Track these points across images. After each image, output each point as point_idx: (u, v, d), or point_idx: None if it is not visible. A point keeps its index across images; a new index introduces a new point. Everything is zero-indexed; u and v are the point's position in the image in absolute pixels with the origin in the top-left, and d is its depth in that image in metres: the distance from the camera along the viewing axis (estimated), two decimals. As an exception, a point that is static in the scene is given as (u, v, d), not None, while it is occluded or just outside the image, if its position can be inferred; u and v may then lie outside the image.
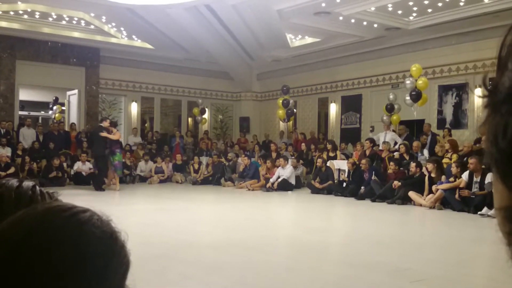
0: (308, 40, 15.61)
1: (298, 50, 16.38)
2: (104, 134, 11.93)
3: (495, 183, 0.48)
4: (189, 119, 19.76)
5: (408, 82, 12.44)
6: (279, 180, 12.95)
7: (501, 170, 0.45)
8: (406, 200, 9.99)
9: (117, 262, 0.67)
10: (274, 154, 14.77)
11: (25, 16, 14.42)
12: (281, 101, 16.11)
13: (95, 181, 12.36)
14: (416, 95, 12.21)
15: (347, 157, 13.25)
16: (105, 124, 12.15)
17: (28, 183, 0.77)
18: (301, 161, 14.44)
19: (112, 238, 0.68)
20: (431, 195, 9.57)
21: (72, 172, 14.10)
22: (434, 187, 9.56)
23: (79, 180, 13.50)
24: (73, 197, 10.58)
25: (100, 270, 0.64)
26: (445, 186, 9.33)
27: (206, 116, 19.13)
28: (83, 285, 0.62)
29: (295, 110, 17.17)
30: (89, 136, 12.24)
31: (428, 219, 8.78)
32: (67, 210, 0.67)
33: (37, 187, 0.76)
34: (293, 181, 13.11)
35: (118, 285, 0.68)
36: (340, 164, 12.80)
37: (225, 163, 15.23)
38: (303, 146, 15.40)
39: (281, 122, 17.40)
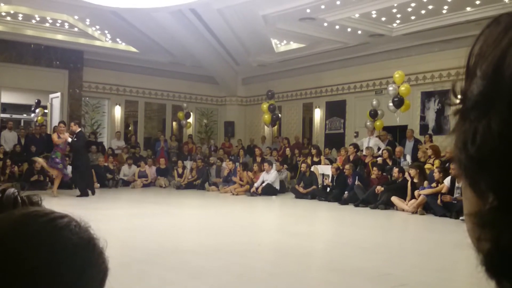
0: (293, 45, 15.68)
1: (283, 56, 16.44)
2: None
3: (465, 190, 0.48)
4: (174, 123, 19.67)
5: (391, 88, 12.56)
6: (264, 184, 12.95)
7: (470, 176, 0.45)
8: (389, 205, 10.06)
9: (94, 270, 0.66)
10: (258, 159, 14.77)
11: (8, 18, 14.23)
12: (266, 106, 16.13)
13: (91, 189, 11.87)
14: (399, 101, 12.34)
15: (331, 162, 13.32)
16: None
17: (10, 191, 0.75)
18: (285, 166, 14.46)
19: (89, 244, 0.67)
20: (413, 200, 9.66)
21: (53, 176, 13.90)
22: (416, 192, 9.64)
23: (61, 184, 13.30)
24: (54, 200, 10.47)
25: (76, 277, 0.63)
26: (428, 191, 9.42)
27: (190, 120, 19.07)
28: None
29: (280, 115, 17.21)
30: (82, 140, 11.67)
31: (411, 224, 8.85)
32: (44, 215, 0.65)
33: (19, 194, 0.75)
34: (277, 186, 13.13)
35: None
36: (324, 169, 12.85)
37: (213, 165, 15.18)
38: (287, 151, 15.43)
39: (266, 126, 17.42)
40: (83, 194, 11.46)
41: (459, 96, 0.47)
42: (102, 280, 0.67)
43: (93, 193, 11.69)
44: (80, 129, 11.78)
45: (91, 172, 12.12)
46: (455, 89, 0.48)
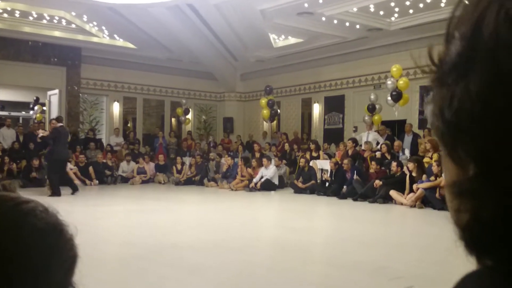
0: (292, 40, 15.63)
1: (282, 51, 16.40)
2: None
3: (444, 160, 0.46)
4: (173, 120, 19.65)
5: (389, 82, 12.54)
6: (262, 180, 12.95)
7: (448, 143, 0.44)
8: (388, 199, 10.07)
9: (60, 256, 0.65)
10: (257, 154, 14.76)
11: (5, 15, 14.18)
12: (265, 101, 16.11)
13: (72, 186, 11.44)
14: (397, 95, 12.32)
15: (330, 157, 13.31)
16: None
17: None
18: (284, 161, 14.46)
19: (56, 230, 0.66)
20: (412, 194, 9.66)
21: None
22: (415, 186, 9.65)
23: (60, 181, 13.30)
24: (52, 197, 10.45)
25: (41, 263, 0.62)
26: (426, 185, 9.42)
27: (189, 116, 19.05)
28: (21, 277, 0.60)
29: (278, 110, 17.19)
30: (56, 136, 11.25)
31: (409, 217, 8.86)
32: (10, 200, 0.65)
33: None
34: (276, 181, 13.13)
35: (62, 280, 0.66)
36: (323, 164, 12.85)
37: (211, 161, 15.17)
38: (286, 146, 15.43)
39: (264, 122, 17.40)
40: (54, 193, 10.84)
41: (436, 63, 0.45)
42: (70, 267, 0.66)
43: (72, 192, 11.14)
44: (59, 125, 11.28)
45: (60, 170, 11.30)
46: (431, 55, 0.46)
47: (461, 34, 0.43)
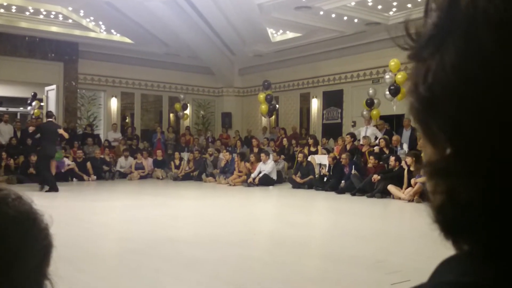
0: (290, 35, 15.59)
1: (280, 45, 16.36)
2: (61, 131, 10.97)
3: (423, 140, 0.44)
4: (171, 115, 19.62)
5: (387, 77, 12.51)
6: (261, 175, 12.94)
7: (422, 120, 0.42)
8: (386, 194, 10.06)
9: (34, 245, 0.63)
10: (255, 150, 14.74)
11: (1, 10, 14.11)
12: (263, 96, 16.07)
13: (46, 183, 11.06)
14: (395, 90, 12.29)
15: (329, 152, 13.30)
16: (54, 120, 11.30)
17: None
18: (282, 156, 14.45)
19: (28, 219, 0.63)
20: (410, 188, 9.65)
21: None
22: (413, 181, 9.63)
23: (57, 176, 13.28)
24: (50, 193, 10.43)
25: (12, 251, 0.60)
26: (424, 179, 9.38)
27: (188, 111, 19.01)
28: None
29: (277, 105, 17.16)
30: (40, 132, 11.03)
31: (407, 212, 8.85)
32: None
33: None
34: (274, 176, 13.12)
35: (36, 270, 0.63)
36: (321, 159, 12.85)
37: (208, 158, 15.15)
38: (284, 141, 15.41)
39: (263, 117, 17.38)
40: (52, 188, 10.74)
41: (414, 37, 0.43)
42: (45, 257, 0.64)
43: (44, 189, 10.89)
44: (46, 120, 11.20)
45: (45, 166, 11.08)
46: (409, 31, 0.44)
47: (438, 5, 0.41)
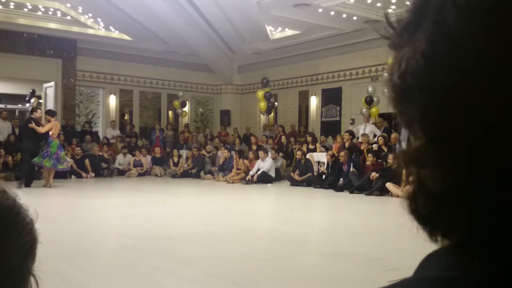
0: (288, 32, 15.57)
1: (279, 43, 16.33)
2: (31, 125, 10.81)
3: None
4: (170, 112, 19.59)
5: (385, 74, 12.46)
6: (259, 172, 12.93)
7: (398, 109, 0.41)
8: (384, 192, 10.06)
9: (15, 240, 0.62)
10: (254, 147, 14.73)
11: (0, 7, 14.09)
12: (262, 94, 16.06)
13: (22, 177, 11.23)
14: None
15: (327, 149, 13.29)
16: (36, 114, 11.16)
17: None
18: (280, 154, 14.44)
19: (11, 213, 0.62)
20: (408, 186, 9.64)
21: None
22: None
23: (56, 174, 13.26)
24: (48, 190, 10.43)
25: None
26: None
27: (186, 109, 18.99)
28: None
29: (276, 103, 17.15)
30: (20, 129, 11.10)
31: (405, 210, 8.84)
32: None
33: None
34: (272, 174, 13.11)
35: (21, 265, 0.62)
36: (320, 157, 12.84)
37: (205, 155, 15.15)
38: (283, 138, 15.40)
39: (262, 115, 17.36)
40: (27, 185, 10.88)
41: (394, 26, 0.43)
42: (28, 252, 0.63)
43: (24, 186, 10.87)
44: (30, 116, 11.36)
45: (24, 160, 11.26)
46: (388, 18, 0.44)
47: None
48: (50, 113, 11.48)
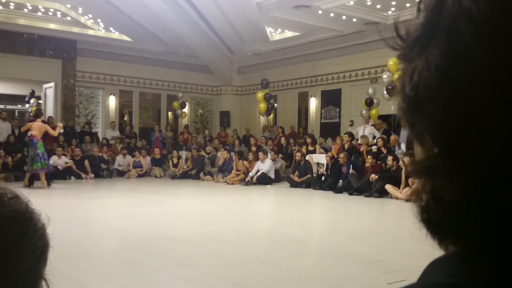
0: (288, 34, 15.59)
1: (278, 44, 16.35)
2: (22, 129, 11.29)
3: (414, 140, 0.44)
4: (169, 113, 19.59)
5: (385, 76, 12.53)
6: (258, 174, 12.93)
7: (409, 120, 0.42)
8: (383, 193, 10.06)
9: (29, 244, 0.62)
10: (254, 149, 14.74)
11: (0, 7, 14.09)
12: (262, 95, 16.07)
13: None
14: (393, 89, 12.30)
15: (326, 151, 13.30)
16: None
17: None
18: (280, 155, 14.45)
19: (23, 218, 0.63)
20: (407, 188, 9.66)
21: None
22: (410, 181, 9.63)
23: (55, 174, 13.26)
24: (48, 190, 10.42)
25: (7, 251, 0.60)
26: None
27: (186, 110, 19.00)
28: None
29: (275, 104, 17.16)
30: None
31: (404, 211, 8.83)
32: None
33: None
34: (272, 175, 13.11)
35: (33, 270, 0.63)
36: (319, 158, 12.84)
37: (205, 156, 15.15)
38: (282, 140, 15.41)
39: (261, 116, 17.37)
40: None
41: (404, 38, 0.43)
42: (41, 256, 0.64)
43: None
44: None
45: None
46: (399, 31, 0.44)
47: (426, 5, 0.41)
48: (40, 113, 11.71)
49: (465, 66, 0.37)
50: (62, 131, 11.52)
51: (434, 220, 0.41)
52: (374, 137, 12.71)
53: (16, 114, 19.63)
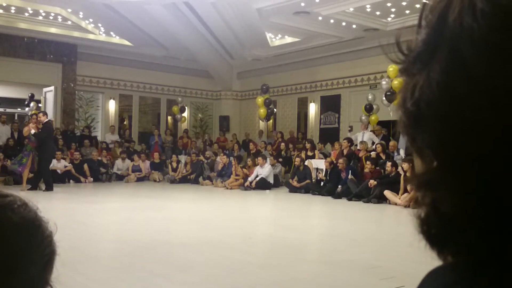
0: (288, 39, 15.64)
1: (278, 50, 16.40)
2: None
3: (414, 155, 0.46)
4: (169, 118, 19.61)
5: (384, 82, 12.57)
6: (258, 179, 12.94)
7: (409, 134, 0.43)
8: (382, 199, 10.07)
9: (37, 252, 0.64)
10: (253, 153, 14.74)
11: (0, 11, 14.12)
12: (261, 100, 16.10)
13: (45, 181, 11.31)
14: (392, 95, 12.35)
15: (325, 156, 13.31)
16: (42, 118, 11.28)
17: None
18: (279, 160, 14.46)
19: (33, 226, 0.65)
20: (406, 194, 9.66)
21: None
22: (409, 186, 9.64)
23: (54, 178, 13.26)
24: (49, 194, 10.42)
25: (15, 257, 0.61)
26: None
27: (185, 114, 19.01)
28: None
29: (275, 109, 17.18)
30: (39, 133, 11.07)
31: (403, 217, 8.84)
32: None
33: None
34: (271, 180, 13.12)
35: (39, 277, 0.64)
36: (318, 163, 12.85)
37: (204, 160, 15.16)
38: (282, 145, 15.43)
39: (261, 121, 17.39)
40: (49, 188, 10.98)
41: (405, 52, 0.45)
42: (48, 264, 0.65)
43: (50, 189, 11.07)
44: (48, 119, 11.30)
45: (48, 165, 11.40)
46: (399, 45, 0.45)
47: (428, 21, 0.42)
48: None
49: (466, 83, 0.38)
50: (32, 132, 10.98)
51: (434, 231, 0.42)
52: (373, 143, 12.73)
53: (16, 118, 19.64)
